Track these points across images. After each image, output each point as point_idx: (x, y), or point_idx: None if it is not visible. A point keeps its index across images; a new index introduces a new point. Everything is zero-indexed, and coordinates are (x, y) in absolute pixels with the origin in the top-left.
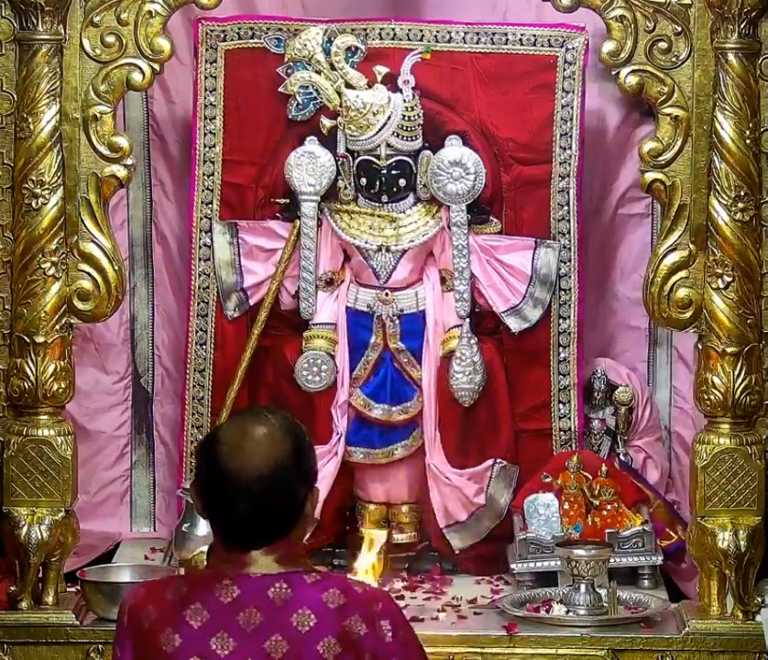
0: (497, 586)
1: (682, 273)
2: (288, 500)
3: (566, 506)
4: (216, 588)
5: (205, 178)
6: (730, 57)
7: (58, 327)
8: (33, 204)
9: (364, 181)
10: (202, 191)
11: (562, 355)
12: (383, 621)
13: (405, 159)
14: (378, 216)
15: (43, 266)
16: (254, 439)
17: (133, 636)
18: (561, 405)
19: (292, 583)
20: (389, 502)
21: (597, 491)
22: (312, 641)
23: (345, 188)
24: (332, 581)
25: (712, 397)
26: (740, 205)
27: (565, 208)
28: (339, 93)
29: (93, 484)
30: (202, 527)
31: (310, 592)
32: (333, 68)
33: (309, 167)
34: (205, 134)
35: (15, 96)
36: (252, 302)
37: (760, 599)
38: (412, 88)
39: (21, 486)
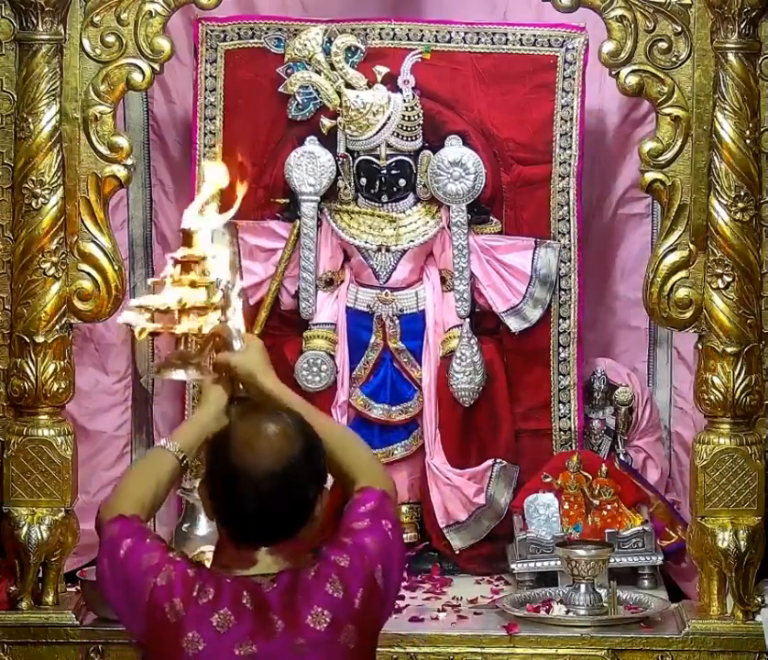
0: (497, 586)
1: (682, 273)
2: (298, 499)
3: (566, 506)
4: (243, 594)
5: None
6: (730, 57)
7: (58, 327)
8: (33, 204)
9: (364, 181)
10: None
11: (562, 355)
12: (376, 571)
13: (405, 159)
14: (378, 216)
15: (43, 266)
16: (266, 437)
17: (151, 619)
18: (561, 405)
19: (297, 583)
20: None
21: (597, 491)
22: (334, 635)
23: (345, 188)
24: (326, 566)
25: (712, 397)
26: (740, 205)
27: (565, 208)
28: (339, 93)
29: (93, 484)
30: (203, 527)
31: (315, 587)
32: (333, 68)
33: (309, 167)
34: (205, 134)
35: (15, 96)
36: (252, 302)
37: (760, 599)
38: (412, 88)
39: (21, 486)
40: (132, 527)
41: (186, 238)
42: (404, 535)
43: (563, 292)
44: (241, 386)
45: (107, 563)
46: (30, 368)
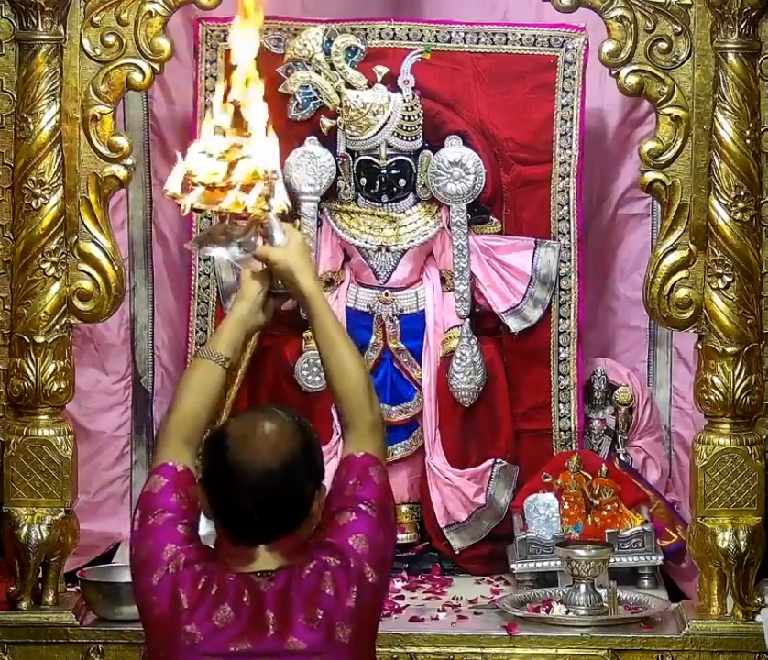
0: (497, 586)
1: (682, 273)
2: (295, 496)
3: (566, 506)
4: (244, 592)
5: None
6: (730, 57)
7: (58, 327)
8: (33, 204)
9: (364, 181)
10: None
11: (562, 355)
12: (365, 570)
13: (405, 159)
14: (378, 216)
15: (43, 266)
16: (263, 433)
17: (156, 601)
18: (561, 405)
19: (292, 581)
20: None
21: (597, 491)
22: (328, 633)
23: (345, 188)
24: (318, 565)
25: (712, 397)
26: (740, 205)
27: (565, 208)
28: (339, 93)
29: (93, 484)
30: (202, 527)
31: (308, 585)
32: (333, 68)
33: (309, 167)
34: None
35: (15, 96)
36: None
37: (760, 599)
38: (412, 88)
39: (21, 486)
40: (173, 498)
41: (236, 112)
42: (404, 535)
43: (563, 292)
44: (279, 282)
45: (138, 516)
46: (30, 368)
